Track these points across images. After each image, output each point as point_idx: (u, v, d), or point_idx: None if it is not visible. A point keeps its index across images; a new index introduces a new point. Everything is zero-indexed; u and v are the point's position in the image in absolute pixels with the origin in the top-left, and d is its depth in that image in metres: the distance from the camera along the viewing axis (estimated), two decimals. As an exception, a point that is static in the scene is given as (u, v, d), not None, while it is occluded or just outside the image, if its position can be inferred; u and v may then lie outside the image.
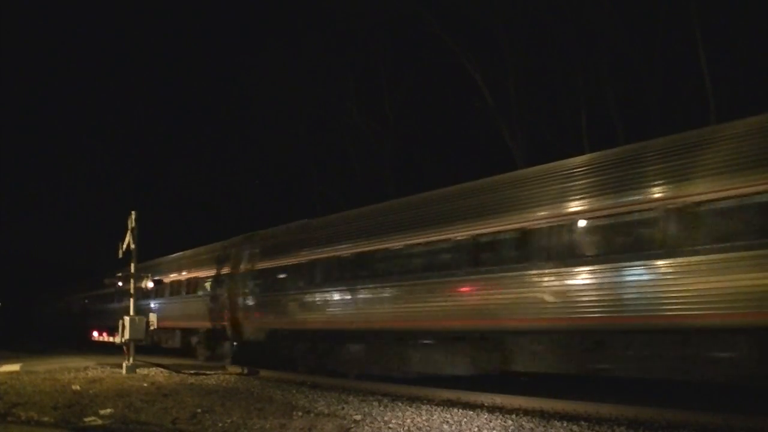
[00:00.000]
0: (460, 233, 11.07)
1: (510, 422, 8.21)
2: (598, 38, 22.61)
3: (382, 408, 9.58)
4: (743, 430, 7.51)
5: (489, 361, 10.75)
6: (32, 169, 54.86)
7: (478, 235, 10.76)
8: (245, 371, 15.85)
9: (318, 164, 33.07)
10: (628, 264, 8.76)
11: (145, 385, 12.92)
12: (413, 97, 29.73)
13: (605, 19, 22.27)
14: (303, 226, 16.77)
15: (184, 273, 21.95)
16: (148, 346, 21.04)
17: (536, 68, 24.72)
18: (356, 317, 13.31)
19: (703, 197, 8.16)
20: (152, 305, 23.20)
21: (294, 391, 11.79)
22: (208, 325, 19.43)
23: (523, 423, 8.13)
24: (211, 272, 19.58)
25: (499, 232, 10.51)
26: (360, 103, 30.39)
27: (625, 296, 8.79)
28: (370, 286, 12.93)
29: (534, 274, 9.77)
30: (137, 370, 15.48)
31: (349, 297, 13.60)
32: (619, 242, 9.10)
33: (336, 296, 14.01)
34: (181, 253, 24.14)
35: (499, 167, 15.56)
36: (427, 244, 11.77)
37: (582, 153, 13.60)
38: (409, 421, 8.48)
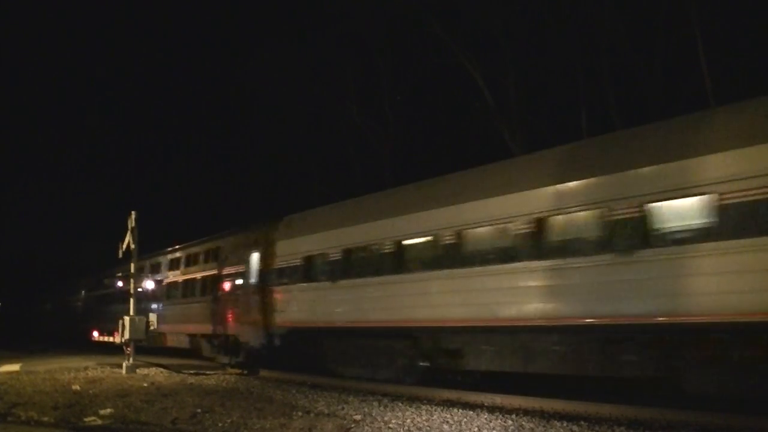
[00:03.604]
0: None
1: (510, 422, 8.21)
2: (598, 38, 22.60)
3: (382, 408, 9.58)
4: (743, 430, 7.51)
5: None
6: (32, 169, 54.88)
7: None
8: (245, 371, 15.85)
9: (318, 164, 33.07)
10: None
11: (145, 385, 12.93)
12: (413, 97, 29.77)
13: (605, 19, 22.26)
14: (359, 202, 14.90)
15: (195, 270, 20.08)
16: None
17: (536, 68, 24.72)
18: (424, 313, 11.67)
19: None
20: (157, 308, 22.20)
21: (294, 391, 11.79)
22: (225, 328, 17.74)
23: (523, 423, 8.13)
24: (232, 268, 17.72)
25: None
26: (360, 103, 30.40)
27: None
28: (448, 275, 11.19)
29: None
30: (137, 370, 15.49)
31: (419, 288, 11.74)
32: None
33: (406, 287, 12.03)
34: (190, 244, 21.60)
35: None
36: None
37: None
38: (409, 421, 8.48)
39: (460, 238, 11.07)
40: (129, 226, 16.94)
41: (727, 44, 20.15)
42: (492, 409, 9.35)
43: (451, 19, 25.26)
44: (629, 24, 22.31)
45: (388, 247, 12.56)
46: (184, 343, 20.71)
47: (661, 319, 8.45)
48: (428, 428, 8.03)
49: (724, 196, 7.89)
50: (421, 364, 12.05)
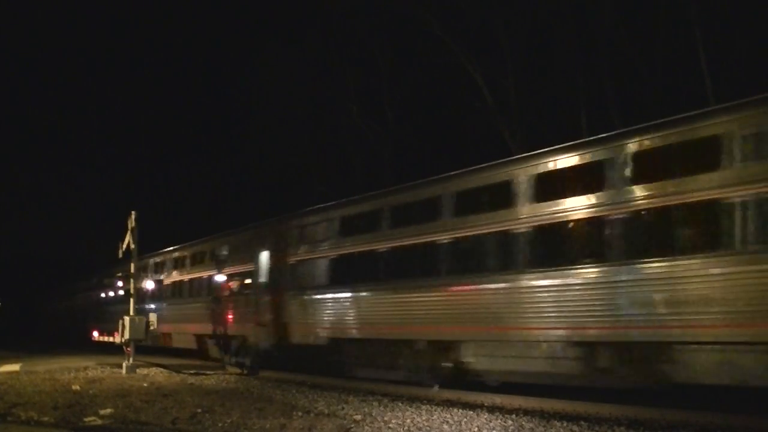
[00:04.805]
0: None
1: (510, 422, 8.21)
2: (598, 38, 22.61)
3: (382, 408, 9.59)
4: (743, 430, 7.52)
5: None
6: (32, 168, 54.84)
7: None
8: (245, 371, 15.85)
9: (318, 164, 33.08)
10: None
11: (145, 385, 12.93)
12: (413, 97, 29.77)
13: (605, 18, 22.28)
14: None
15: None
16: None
17: (536, 68, 24.72)
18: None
19: None
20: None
21: (294, 391, 11.79)
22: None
23: (523, 423, 8.13)
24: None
25: None
26: (360, 103, 30.41)
27: None
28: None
29: None
30: (137, 370, 15.49)
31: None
32: None
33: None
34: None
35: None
36: None
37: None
38: (409, 421, 8.48)
39: None
40: (129, 226, 16.94)
41: (727, 44, 20.16)
42: (492, 409, 9.36)
43: (451, 19, 25.28)
44: (629, 24, 22.33)
45: None
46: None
47: None
48: (428, 428, 8.03)
49: None
50: None
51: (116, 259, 18.41)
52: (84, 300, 33.86)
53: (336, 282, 14.45)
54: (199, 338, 20.59)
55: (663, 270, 8.72)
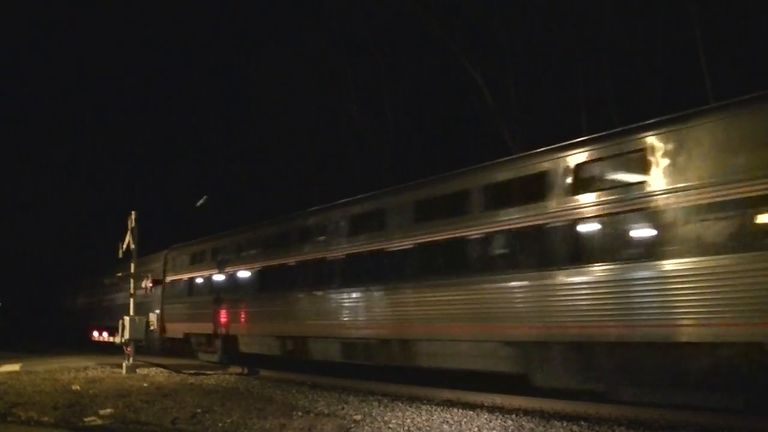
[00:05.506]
0: None
1: (510, 422, 8.21)
2: (598, 38, 22.62)
3: (382, 408, 9.58)
4: (743, 430, 7.52)
5: None
6: (32, 168, 54.88)
7: None
8: (245, 371, 15.86)
9: (318, 164, 33.09)
10: None
11: (145, 385, 12.93)
12: (413, 97, 29.79)
13: (605, 18, 22.28)
14: None
15: None
16: None
17: (536, 68, 24.74)
18: None
19: None
20: None
21: (294, 391, 11.79)
22: None
23: (523, 423, 8.13)
24: None
25: None
26: (360, 103, 30.43)
27: None
28: None
29: None
30: (137, 370, 15.49)
31: None
32: None
33: None
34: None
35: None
36: None
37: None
38: (409, 421, 8.48)
39: None
40: (129, 226, 16.95)
41: (727, 44, 20.17)
42: (492, 409, 9.35)
43: (451, 19, 25.30)
44: (629, 24, 22.33)
45: None
46: None
47: None
48: (428, 428, 8.03)
49: None
50: None
51: (129, 258, 18.20)
52: (101, 300, 33.52)
53: None
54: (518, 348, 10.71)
55: None
